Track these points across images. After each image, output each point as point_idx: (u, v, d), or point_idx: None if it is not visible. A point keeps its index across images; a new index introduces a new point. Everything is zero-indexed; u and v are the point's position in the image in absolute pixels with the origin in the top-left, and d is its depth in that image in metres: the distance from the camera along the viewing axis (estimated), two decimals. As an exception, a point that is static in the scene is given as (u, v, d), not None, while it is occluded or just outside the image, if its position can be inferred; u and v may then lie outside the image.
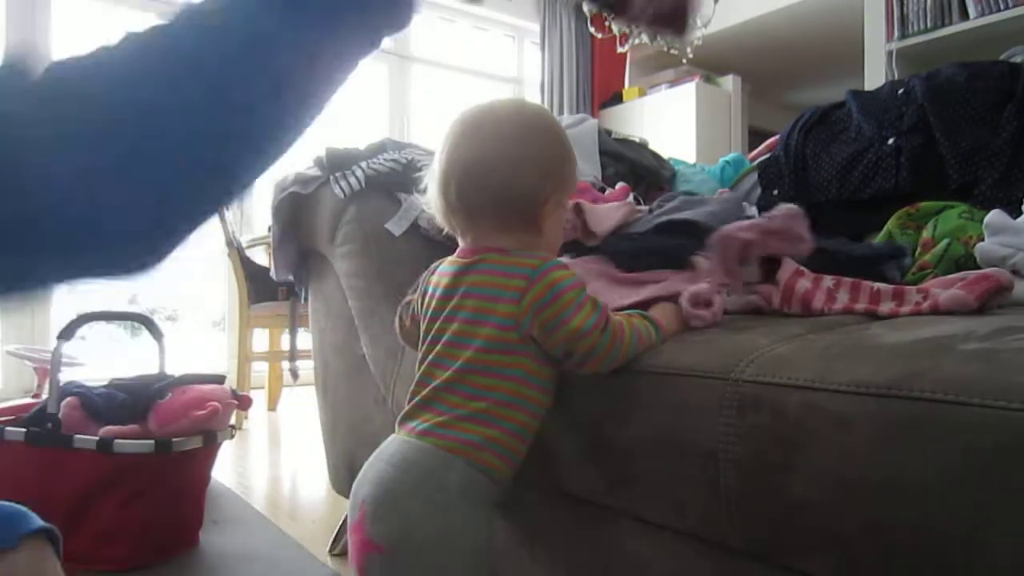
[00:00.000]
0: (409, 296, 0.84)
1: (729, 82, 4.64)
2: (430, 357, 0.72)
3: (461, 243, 0.76)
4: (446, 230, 0.78)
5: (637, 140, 1.68)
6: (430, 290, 0.75)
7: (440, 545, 0.65)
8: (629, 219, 1.03)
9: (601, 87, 4.79)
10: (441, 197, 0.74)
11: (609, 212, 1.02)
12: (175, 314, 3.98)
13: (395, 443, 0.70)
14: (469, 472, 0.66)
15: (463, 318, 0.70)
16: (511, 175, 0.70)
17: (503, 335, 0.68)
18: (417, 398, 0.71)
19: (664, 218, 1.00)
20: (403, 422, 0.72)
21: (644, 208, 1.12)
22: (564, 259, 0.88)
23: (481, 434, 0.67)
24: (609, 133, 1.63)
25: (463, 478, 0.66)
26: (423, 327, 0.75)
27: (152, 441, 1.21)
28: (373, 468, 0.69)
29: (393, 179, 1.26)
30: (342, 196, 1.27)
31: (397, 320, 0.87)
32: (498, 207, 0.71)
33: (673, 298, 0.80)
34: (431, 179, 0.75)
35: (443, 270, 0.75)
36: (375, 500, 0.66)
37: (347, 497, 0.81)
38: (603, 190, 1.29)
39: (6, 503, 0.75)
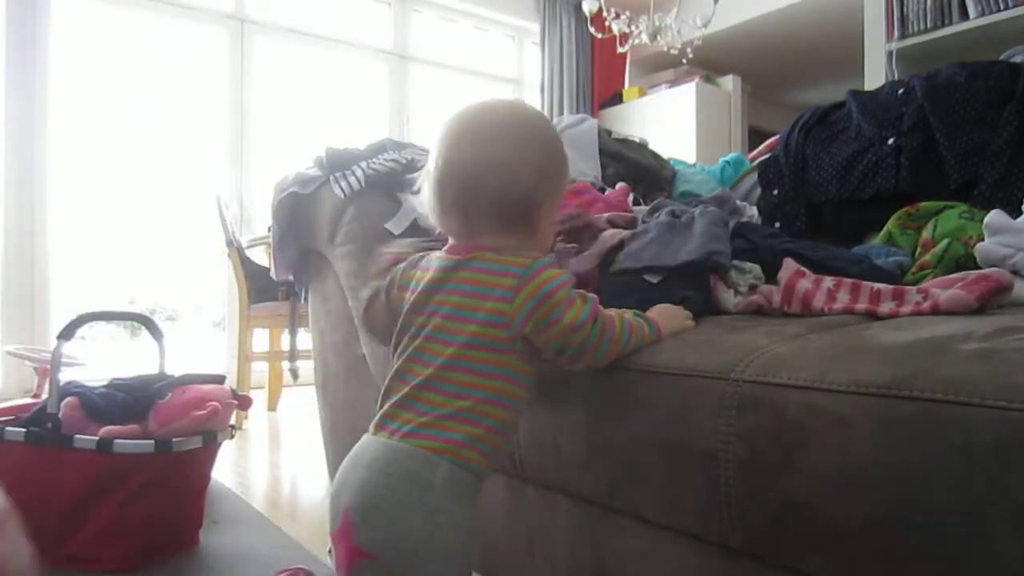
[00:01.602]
0: (379, 283, 0.82)
1: (729, 82, 4.64)
2: (408, 351, 0.71)
3: (452, 241, 0.75)
4: (439, 230, 0.77)
5: (637, 140, 1.67)
6: (412, 284, 0.75)
7: (431, 547, 0.65)
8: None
9: (601, 87, 4.79)
10: (436, 199, 0.73)
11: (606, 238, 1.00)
12: (175, 314, 3.98)
13: (374, 446, 0.69)
14: (453, 471, 0.66)
15: (445, 313, 0.70)
16: (509, 179, 0.70)
17: (491, 332, 0.68)
18: (396, 396, 0.70)
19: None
20: (382, 423, 0.70)
21: (641, 210, 1.12)
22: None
23: (465, 432, 0.67)
24: (609, 133, 1.63)
25: (447, 477, 0.66)
26: (401, 319, 0.74)
27: (152, 441, 1.21)
28: (353, 474, 0.68)
29: (393, 179, 1.26)
30: (342, 196, 1.27)
31: (365, 309, 0.85)
32: (495, 210, 0.71)
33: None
34: (426, 179, 0.75)
35: (430, 264, 0.75)
36: (360, 507, 0.66)
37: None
38: (603, 190, 1.29)
39: None
